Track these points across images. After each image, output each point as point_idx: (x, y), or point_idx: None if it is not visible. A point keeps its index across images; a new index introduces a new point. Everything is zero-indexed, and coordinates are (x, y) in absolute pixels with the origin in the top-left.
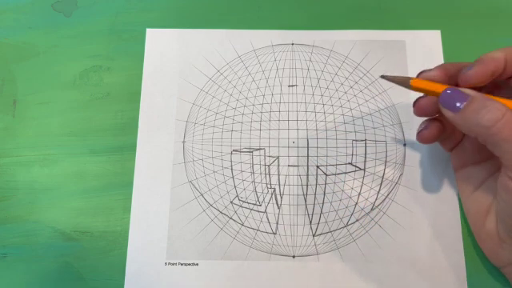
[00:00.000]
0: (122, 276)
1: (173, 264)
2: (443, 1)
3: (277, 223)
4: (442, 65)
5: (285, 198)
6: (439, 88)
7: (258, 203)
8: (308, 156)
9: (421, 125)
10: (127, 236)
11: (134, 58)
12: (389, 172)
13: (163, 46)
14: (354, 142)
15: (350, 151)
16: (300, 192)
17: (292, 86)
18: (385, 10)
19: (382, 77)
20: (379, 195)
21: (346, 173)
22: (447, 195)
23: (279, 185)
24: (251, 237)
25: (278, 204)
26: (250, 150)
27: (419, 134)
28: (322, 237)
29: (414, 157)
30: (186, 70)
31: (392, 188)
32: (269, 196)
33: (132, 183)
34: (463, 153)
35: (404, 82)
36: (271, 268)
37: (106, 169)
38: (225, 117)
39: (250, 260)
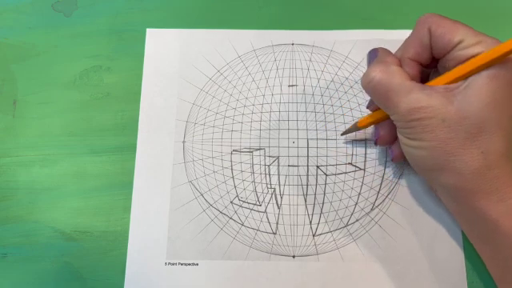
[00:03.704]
0: (122, 276)
1: (173, 264)
2: (443, 1)
3: (277, 223)
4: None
5: (285, 197)
6: (379, 114)
7: (258, 203)
8: (308, 156)
9: (375, 134)
10: (127, 236)
11: (134, 58)
12: (389, 172)
13: (163, 46)
14: (354, 141)
15: (350, 151)
16: (300, 192)
17: (292, 85)
18: (385, 9)
19: (342, 134)
20: (379, 195)
21: (346, 173)
22: None
23: (279, 185)
24: (251, 237)
25: (278, 204)
26: (250, 150)
27: (379, 140)
28: (322, 237)
29: None
30: (186, 70)
31: (392, 188)
32: (269, 196)
33: (132, 183)
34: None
35: (354, 127)
36: (271, 268)
37: (105, 169)
38: (225, 117)
39: (250, 260)
